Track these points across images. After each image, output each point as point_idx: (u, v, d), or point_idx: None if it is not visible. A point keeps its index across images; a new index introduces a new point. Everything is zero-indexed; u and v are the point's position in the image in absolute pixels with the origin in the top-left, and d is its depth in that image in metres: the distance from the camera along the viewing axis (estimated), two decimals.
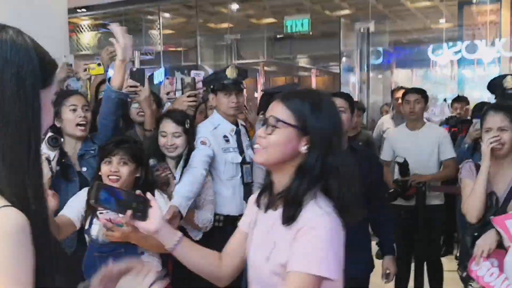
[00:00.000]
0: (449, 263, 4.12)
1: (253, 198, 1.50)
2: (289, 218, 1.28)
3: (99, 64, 3.30)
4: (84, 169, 2.50)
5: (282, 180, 1.35)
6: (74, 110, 2.53)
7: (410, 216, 3.52)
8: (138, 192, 1.49)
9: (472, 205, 2.27)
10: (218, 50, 12.98)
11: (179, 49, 14.52)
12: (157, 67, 13.22)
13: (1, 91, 0.89)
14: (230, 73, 3.00)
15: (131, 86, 2.83)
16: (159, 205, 1.47)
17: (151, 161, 2.68)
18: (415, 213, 3.51)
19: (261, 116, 3.44)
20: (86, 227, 2.21)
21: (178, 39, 13.84)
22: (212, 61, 13.26)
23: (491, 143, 2.25)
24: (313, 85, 15.84)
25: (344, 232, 1.32)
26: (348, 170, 1.33)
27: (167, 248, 1.45)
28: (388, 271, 2.62)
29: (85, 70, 3.33)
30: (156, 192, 2.29)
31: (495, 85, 3.11)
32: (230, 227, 2.97)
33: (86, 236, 2.23)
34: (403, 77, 13.16)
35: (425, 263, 3.60)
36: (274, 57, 14.08)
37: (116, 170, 2.15)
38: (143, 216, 1.41)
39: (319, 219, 1.26)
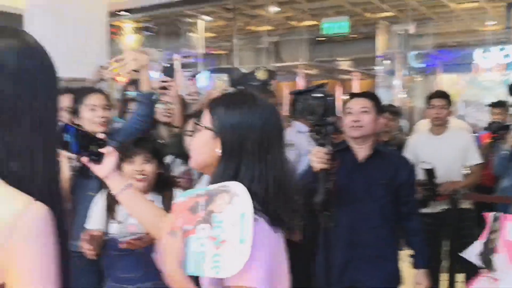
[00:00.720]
0: None
1: None
2: None
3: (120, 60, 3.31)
4: None
5: None
6: (93, 110, 2.53)
7: (437, 222, 3.37)
8: (102, 135, 1.55)
9: None
10: (257, 52, 12.99)
11: (220, 52, 14.66)
12: (196, 70, 13.39)
13: (16, 91, 0.94)
14: (261, 74, 2.97)
15: (163, 81, 2.85)
16: (115, 151, 1.53)
17: (182, 166, 2.68)
18: (442, 220, 3.35)
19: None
20: (103, 226, 2.22)
21: (219, 42, 13.95)
22: (251, 64, 13.28)
23: None
24: (354, 88, 15.66)
25: (277, 239, 1.21)
26: (281, 178, 1.25)
27: (114, 193, 1.53)
28: (419, 287, 2.46)
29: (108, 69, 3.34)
30: (176, 191, 2.28)
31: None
32: None
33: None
34: (447, 81, 12.77)
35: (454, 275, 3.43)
36: (315, 60, 13.97)
37: (140, 169, 2.17)
38: (99, 160, 1.48)
39: None
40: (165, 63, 12.53)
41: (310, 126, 2.48)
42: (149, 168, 2.20)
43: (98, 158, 1.48)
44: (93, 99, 2.55)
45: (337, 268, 2.34)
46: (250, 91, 1.40)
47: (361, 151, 2.42)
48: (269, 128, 1.28)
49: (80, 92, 2.64)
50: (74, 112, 2.54)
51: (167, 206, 1.97)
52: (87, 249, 2.06)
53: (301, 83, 14.71)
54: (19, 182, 0.92)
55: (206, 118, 1.31)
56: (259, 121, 1.26)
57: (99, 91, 2.71)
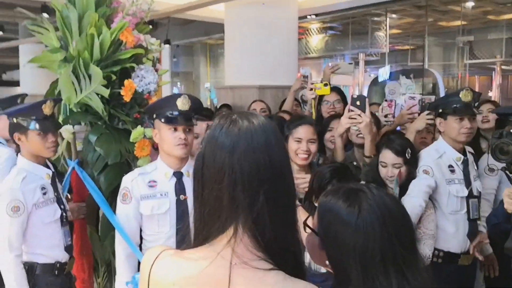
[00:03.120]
0: None
1: None
2: None
3: (325, 85, 3.33)
4: None
5: None
6: (298, 141, 2.60)
7: None
8: None
9: None
10: (448, 49, 12.22)
11: (405, 47, 14.12)
12: (382, 66, 13.12)
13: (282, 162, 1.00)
14: (465, 96, 2.76)
15: (352, 111, 2.77)
16: None
17: None
18: None
19: None
20: None
21: (405, 39, 13.46)
22: (440, 61, 12.55)
23: None
24: None
25: None
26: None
27: None
28: None
29: (311, 89, 3.37)
30: None
31: None
32: (450, 264, 2.79)
33: None
34: None
35: None
36: None
37: None
38: None
39: None
40: (351, 62, 12.50)
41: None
42: None
43: None
44: (300, 132, 2.61)
45: None
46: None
47: None
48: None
49: (290, 120, 2.77)
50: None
51: None
52: None
53: (497, 79, 13.53)
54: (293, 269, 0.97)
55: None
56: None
57: (309, 122, 2.71)
